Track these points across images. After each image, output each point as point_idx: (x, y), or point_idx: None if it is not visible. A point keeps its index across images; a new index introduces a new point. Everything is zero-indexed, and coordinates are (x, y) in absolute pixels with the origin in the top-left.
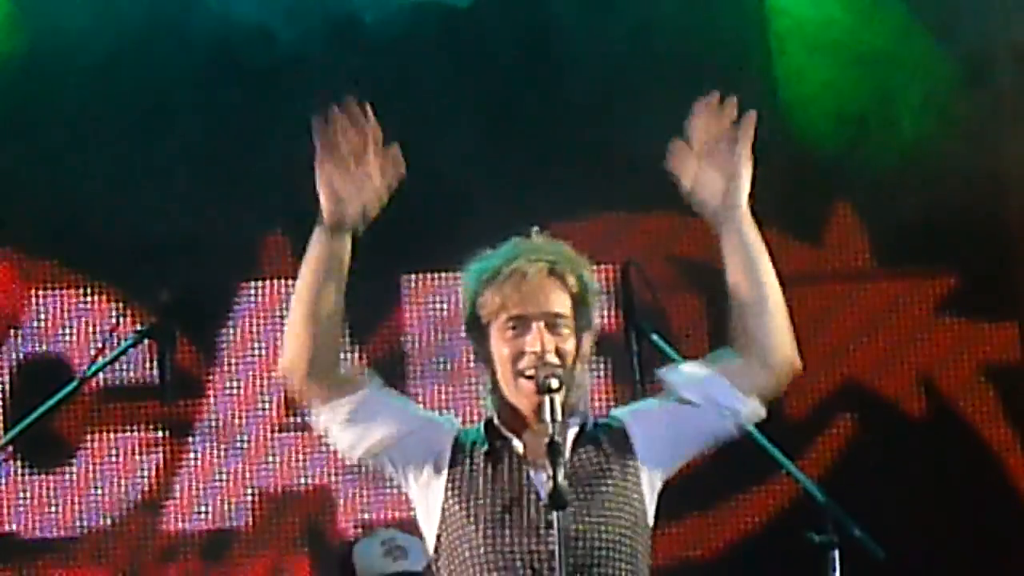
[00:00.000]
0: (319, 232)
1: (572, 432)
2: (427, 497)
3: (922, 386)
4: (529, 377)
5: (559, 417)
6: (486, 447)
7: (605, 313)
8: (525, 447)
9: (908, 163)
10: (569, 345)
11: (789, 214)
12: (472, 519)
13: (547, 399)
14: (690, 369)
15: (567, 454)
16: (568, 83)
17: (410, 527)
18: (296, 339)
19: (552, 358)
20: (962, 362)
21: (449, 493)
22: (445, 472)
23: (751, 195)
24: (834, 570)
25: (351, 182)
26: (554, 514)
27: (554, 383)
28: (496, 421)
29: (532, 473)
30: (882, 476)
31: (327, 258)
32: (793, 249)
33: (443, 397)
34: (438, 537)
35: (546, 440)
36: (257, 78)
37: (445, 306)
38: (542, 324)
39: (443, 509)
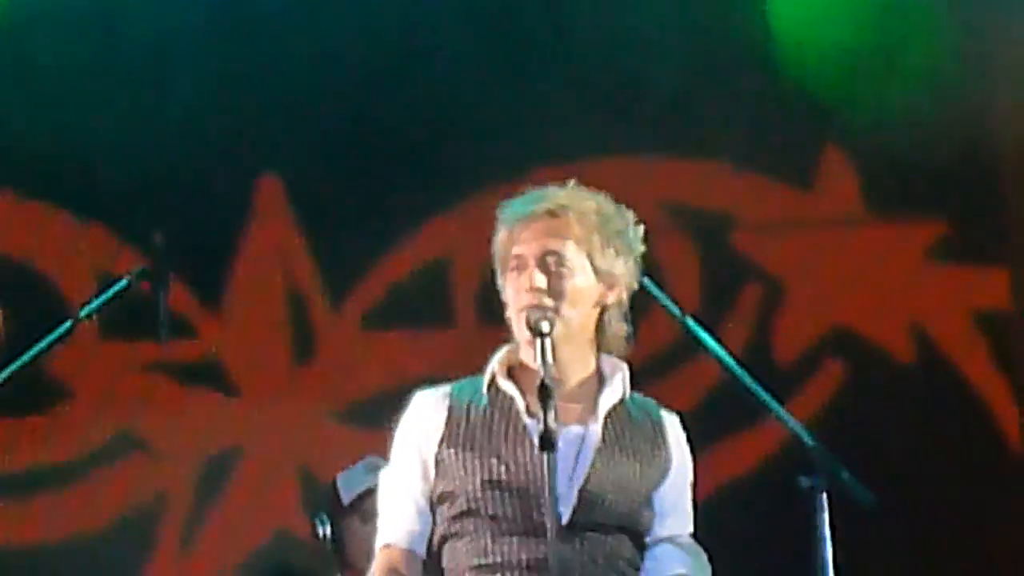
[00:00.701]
0: None
1: (611, 398)
2: (429, 454)
3: (912, 332)
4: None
5: (550, 360)
6: (485, 400)
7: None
8: (525, 396)
9: (900, 108)
10: (569, 285)
11: (779, 158)
12: (467, 468)
13: (538, 341)
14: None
15: (601, 414)
16: (569, 25)
17: None
18: None
19: (545, 299)
20: (952, 308)
21: (445, 444)
22: (441, 430)
23: (742, 139)
24: (823, 513)
25: None
26: (546, 456)
27: (544, 326)
28: (497, 370)
29: (529, 420)
30: (871, 421)
31: None
32: (783, 194)
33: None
34: (435, 488)
35: (538, 383)
36: (253, 18)
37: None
38: (536, 261)
39: (438, 461)
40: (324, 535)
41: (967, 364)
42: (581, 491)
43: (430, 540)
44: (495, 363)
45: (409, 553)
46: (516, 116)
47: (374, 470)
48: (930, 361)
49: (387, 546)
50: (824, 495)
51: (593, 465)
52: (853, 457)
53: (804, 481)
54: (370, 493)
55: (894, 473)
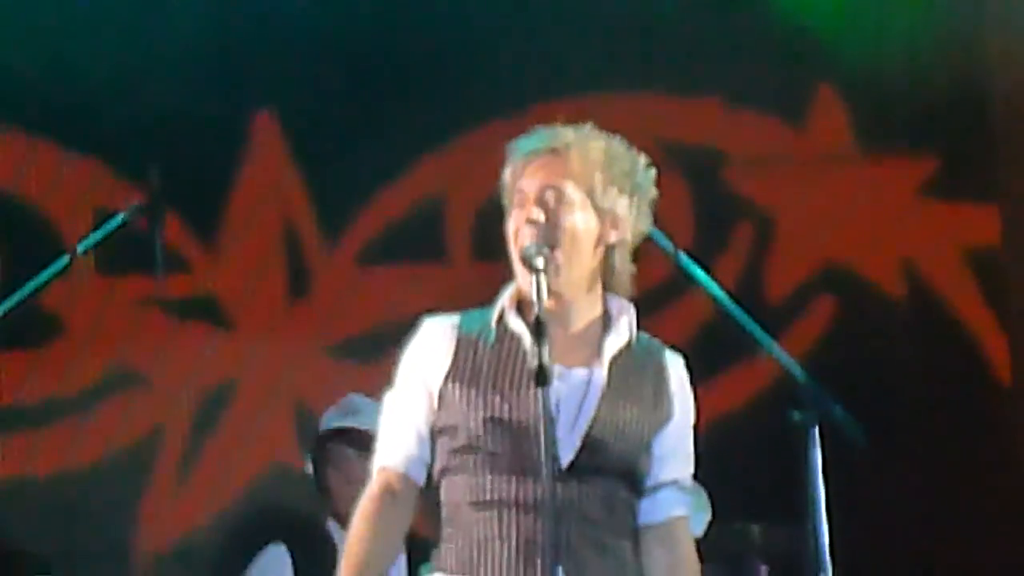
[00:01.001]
0: None
1: (617, 342)
2: (434, 385)
3: (903, 267)
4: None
5: (544, 296)
6: (493, 336)
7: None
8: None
9: (892, 46)
10: (567, 221)
11: (772, 96)
12: (470, 404)
13: (532, 277)
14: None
15: (607, 359)
16: None
17: None
18: None
19: (542, 234)
20: (942, 244)
21: (450, 378)
22: (448, 362)
23: (735, 77)
24: (814, 448)
25: None
26: (539, 391)
27: (539, 262)
28: (507, 306)
29: (530, 355)
30: (862, 356)
31: None
32: (776, 131)
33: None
34: (437, 420)
35: (532, 319)
36: None
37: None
38: (535, 196)
39: (442, 394)
40: (309, 473)
41: (957, 299)
42: (584, 436)
43: (429, 471)
44: (505, 298)
45: (406, 477)
46: (513, 53)
47: (352, 413)
48: (920, 296)
49: (384, 468)
50: (815, 430)
51: (597, 411)
52: (844, 392)
53: (795, 416)
54: (341, 435)
55: (885, 407)
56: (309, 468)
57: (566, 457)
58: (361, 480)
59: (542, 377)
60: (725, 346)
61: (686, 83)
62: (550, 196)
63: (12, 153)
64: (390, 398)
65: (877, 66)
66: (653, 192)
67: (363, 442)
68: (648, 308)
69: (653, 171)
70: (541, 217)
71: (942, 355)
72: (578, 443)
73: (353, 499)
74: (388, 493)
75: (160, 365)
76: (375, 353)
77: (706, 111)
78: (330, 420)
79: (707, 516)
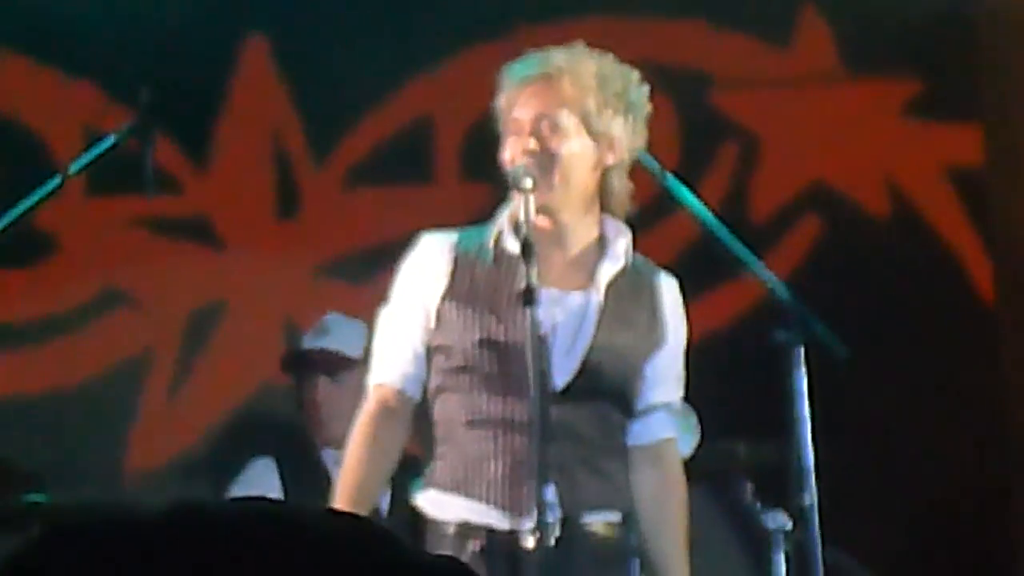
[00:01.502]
0: None
1: (613, 267)
2: (431, 303)
3: (887, 187)
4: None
5: (532, 216)
6: (490, 256)
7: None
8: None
9: None
10: (563, 149)
11: (757, 17)
12: (466, 324)
13: (521, 198)
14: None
15: (603, 284)
16: None
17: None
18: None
19: (538, 163)
20: (926, 163)
21: (448, 298)
22: (446, 281)
23: None
24: (798, 367)
25: None
26: (527, 311)
27: (527, 183)
28: (505, 227)
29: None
30: (847, 276)
31: None
32: (761, 52)
33: (420, 203)
34: (433, 339)
35: (520, 239)
36: None
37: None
38: (530, 126)
39: (439, 313)
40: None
41: (941, 219)
42: (582, 361)
43: (424, 388)
44: (503, 219)
45: (402, 393)
46: None
47: (323, 333)
48: (904, 216)
49: (380, 385)
50: (800, 349)
51: (595, 336)
52: (828, 311)
53: (779, 336)
54: (311, 356)
55: (868, 326)
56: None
57: (561, 380)
58: (328, 401)
59: (529, 297)
60: (710, 266)
61: (672, 5)
62: (545, 125)
63: (3, 75)
64: (386, 314)
65: None
66: (647, 108)
67: (331, 363)
68: (634, 228)
69: (646, 87)
70: (536, 147)
71: (925, 274)
72: (575, 366)
73: (322, 420)
74: (385, 410)
75: (150, 285)
76: (364, 273)
77: (692, 33)
78: (304, 341)
79: (695, 438)
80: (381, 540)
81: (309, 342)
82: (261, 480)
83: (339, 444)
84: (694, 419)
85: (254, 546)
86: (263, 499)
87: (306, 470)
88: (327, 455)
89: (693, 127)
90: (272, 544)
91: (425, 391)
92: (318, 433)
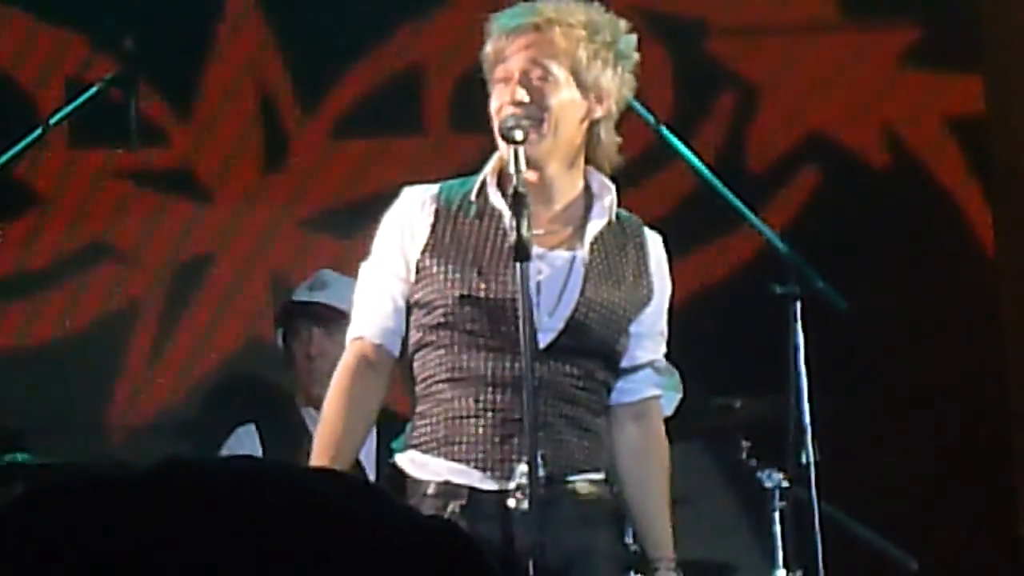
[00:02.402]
0: None
1: (598, 224)
2: (412, 257)
3: (886, 137)
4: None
5: (523, 168)
6: (473, 209)
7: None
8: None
9: None
10: (552, 100)
11: None
12: (448, 279)
13: (511, 150)
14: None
15: (588, 241)
16: None
17: None
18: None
19: (527, 113)
20: (926, 113)
21: (429, 251)
22: (427, 234)
23: None
24: (796, 321)
25: None
26: (519, 266)
27: (517, 134)
28: (489, 180)
29: (509, 230)
30: (846, 228)
31: None
32: (759, 1)
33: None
34: (414, 293)
35: (511, 191)
36: None
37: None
38: (519, 76)
39: (419, 267)
40: (280, 345)
41: (941, 169)
42: (568, 319)
43: (404, 344)
44: (487, 170)
45: (381, 348)
46: None
47: (319, 287)
48: (904, 166)
49: (359, 338)
50: (798, 303)
51: (581, 294)
52: (827, 264)
53: (777, 289)
54: (306, 308)
55: (868, 279)
56: (279, 341)
57: (546, 338)
58: (322, 355)
59: (521, 251)
60: (707, 218)
61: None
62: (534, 75)
63: None
64: (367, 267)
65: None
66: (635, 57)
67: (327, 318)
68: (629, 180)
69: (634, 36)
70: (526, 98)
71: (925, 224)
72: (560, 325)
73: (312, 374)
74: (363, 363)
75: (135, 239)
76: (352, 227)
77: None
78: (298, 294)
79: (678, 396)
80: (366, 496)
81: (305, 295)
82: (243, 448)
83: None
84: (677, 378)
85: (239, 504)
86: (249, 458)
87: (288, 432)
88: (308, 416)
89: (688, 76)
90: (257, 502)
91: (404, 347)
92: (306, 388)
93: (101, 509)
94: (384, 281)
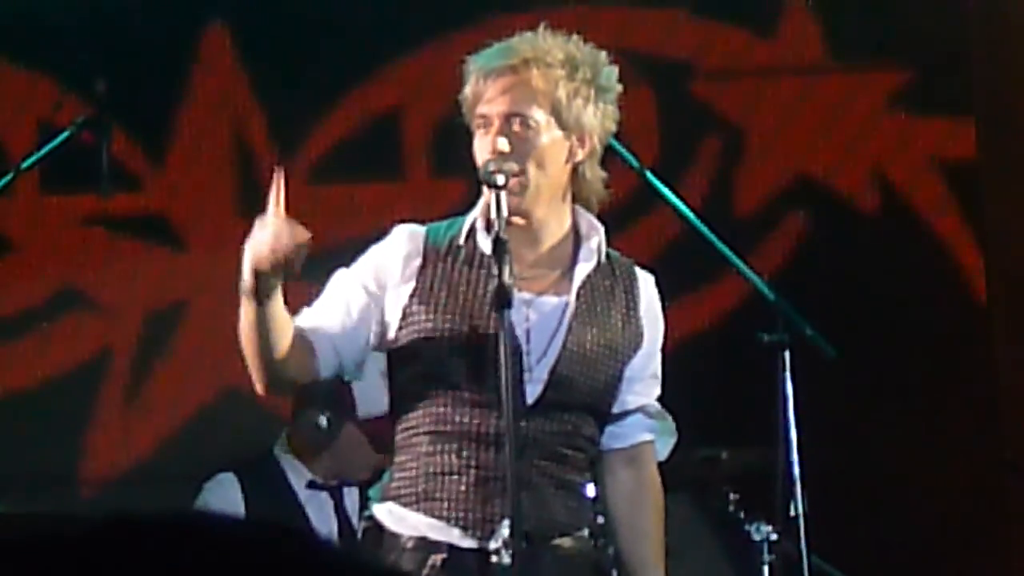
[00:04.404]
0: (245, 302)
1: (586, 268)
2: (394, 300)
3: (875, 182)
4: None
5: (504, 213)
6: (462, 254)
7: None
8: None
9: None
10: (534, 146)
11: (740, 5)
12: (434, 329)
13: (493, 195)
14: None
15: (576, 286)
16: None
17: None
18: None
19: (509, 162)
20: (916, 157)
21: (416, 298)
22: (416, 276)
23: None
24: (785, 370)
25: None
26: (502, 313)
27: (499, 179)
28: (478, 224)
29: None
30: (834, 274)
31: (258, 323)
32: (744, 42)
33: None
34: (396, 340)
35: (492, 237)
36: None
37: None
38: (499, 123)
39: (405, 313)
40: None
41: (931, 214)
42: (552, 372)
43: (339, 368)
44: (475, 213)
45: (314, 344)
46: None
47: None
48: (894, 211)
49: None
50: (786, 351)
51: (565, 346)
52: (816, 311)
53: (766, 337)
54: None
55: (858, 326)
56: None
57: (533, 391)
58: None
59: (502, 298)
60: (693, 264)
61: None
62: (515, 122)
63: None
64: (342, 275)
65: None
66: (617, 88)
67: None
68: (614, 226)
69: (615, 68)
70: (507, 147)
71: (915, 270)
72: (546, 378)
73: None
74: (298, 333)
75: (107, 286)
76: (330, 273)
77: (673, 22)
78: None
79: (672, 441)
80: (314, 553)
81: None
82: (222, 497)
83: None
84: (671, 422)
85: (177, 566)
86: (199, 514)
87: (268, 482)
88: (289, 465)
89: (674, 120)
90: (195, 565)
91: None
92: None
93: (35, 568)
94: (350, 301)
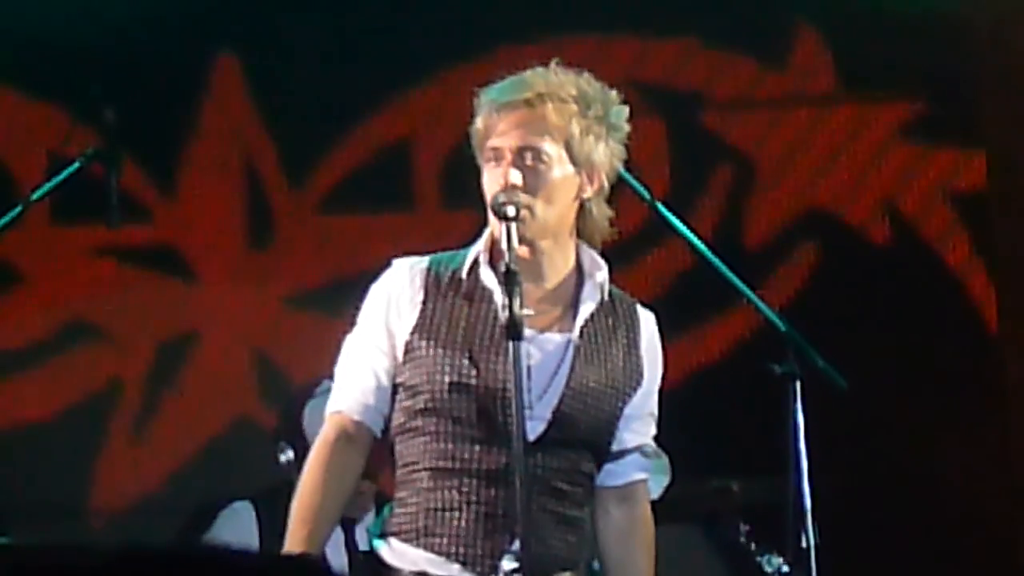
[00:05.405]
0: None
1: (589, 307)
2: (400, 335)
3: (887, 213)
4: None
5: (515, 245)
6: (464, 287)
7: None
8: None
9: None
10: (545, 180)
11: (751, 36)
12: (437, 364)
13: (503, 226)
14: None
15: (579, 324)
16: None
17: None
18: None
19: (520, 195)
20: (928, 189)
21: (418, 333)
22: (418, 310)
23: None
24: (796, 401)
25: None
26: (511, 344)
27: (510, 211)
28: (481, 258)
29: (501, 310)
30: (845, 305)
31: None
32: (755, 72)
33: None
34: (400, 373)
35: (503, 269)
36: None
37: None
38: (512, 156)
39: (407, 348)
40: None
41: (942, 245)
42: (555, 410)
43: (387, 426)
44: (479, 247)
45: (360, 424)
46: None
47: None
48: (906, 243)
49: (339, 412)
50: (797, 382)
51: (568, 384)
52: (827, 341)
53: (777, 368)
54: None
55: (869, 357)
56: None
57: (535, 429)
58: None
59: (514, 329)
60: (704, 296)
61: (663, 24)
62: (528, 155)
63: None
64: (351, 340)
65: (859, 5)
66: (626, 128)
67: None
68: (624, 257)
69: (625, 107)
70: (519, 180)
71: (926, 301)
72: (548, 416)
73: None
74: (342, 438)
75: (117, 317)
76: (340, 304)
77: (684, 53)
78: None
79: (666, 480)
80: None
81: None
82: (237, 526)
83: None
84: (665, 460)
85: None
86: (211, 547)
87: (283, 512)
88: None
89: (685, 150)
90: None
91: (387, 427)
92: None
93: None
94: (368, 355)
